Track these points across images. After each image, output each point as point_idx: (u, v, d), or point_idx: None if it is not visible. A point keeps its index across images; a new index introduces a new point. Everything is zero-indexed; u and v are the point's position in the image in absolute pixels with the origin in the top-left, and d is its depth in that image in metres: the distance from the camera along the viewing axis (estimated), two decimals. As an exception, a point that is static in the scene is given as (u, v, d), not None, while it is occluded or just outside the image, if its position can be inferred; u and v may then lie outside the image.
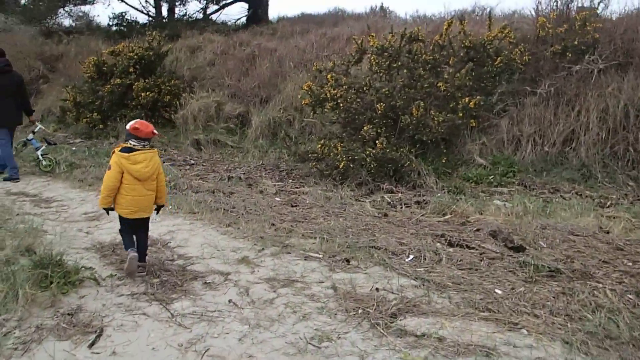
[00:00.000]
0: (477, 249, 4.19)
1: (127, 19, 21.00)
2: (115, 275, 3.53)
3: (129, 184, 3.55)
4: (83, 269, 3.41)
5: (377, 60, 7.18)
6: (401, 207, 5.56)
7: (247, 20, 19.09)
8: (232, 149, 9.30)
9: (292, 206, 5.64)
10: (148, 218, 3.79)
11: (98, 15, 30.97)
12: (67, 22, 22.06)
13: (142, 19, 19.63)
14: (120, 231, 3.76)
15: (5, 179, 6.94)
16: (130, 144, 3.59)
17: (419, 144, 6.79)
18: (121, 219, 3.67)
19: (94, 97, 10.55)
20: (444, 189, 6.23)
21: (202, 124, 9.82)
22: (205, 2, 18.39)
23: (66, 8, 23.28)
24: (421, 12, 11.70)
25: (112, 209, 3.66)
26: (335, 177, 6.60)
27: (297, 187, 6.59)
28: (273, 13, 22.74)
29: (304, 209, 5.48)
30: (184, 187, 6.38)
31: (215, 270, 3.70)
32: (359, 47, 7.59)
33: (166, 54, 11.11)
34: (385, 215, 5.24)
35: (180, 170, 7.54)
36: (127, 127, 3.65)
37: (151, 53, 10.71)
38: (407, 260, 3.95)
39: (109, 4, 23.90)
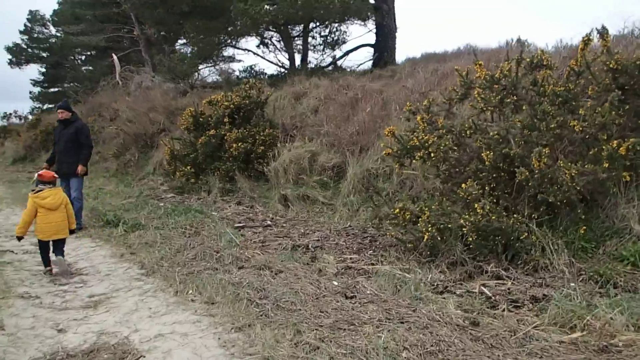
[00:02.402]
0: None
1: (255, 71, 21.30)
2: None
3: (44, 215, 4.93)
4: None
5: (482, 95, 5.44)
6: (504, 309, 3.69)
7: (372, 64, 18.16)
8: (323, 205, 7.99)
9: (347, 297, 4.06)
10: (64, 240, 5.14)
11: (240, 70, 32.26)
12: (210, 78, 23.17)
13: (272, 69, 19.90)
14: (40, 252, 5.09)
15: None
16: (39, 187, 5.09)
17: (544, 206, 4.83)
18: (40, 242, 5.04)
19: (189, 149, 10.05)
20: (581, 275, 4.22)
21: (292, 177, 8.69)
22: (322, 49, 17.78)
23: (216, 66, 24.72)
24: (566, 40, 9.46)
25: (22, 238, 5.08)
26: (422, 252, 4.92)
27: (371, 264, 5.00)
28: (401, 56, 21.57)
29: (359, 305, 3.87)
30: (228, 260, 5.14)
31: None
32: (463, 79, 5.91)
33: (265, 102, 10.31)
34: (475, 324, 3.43)
35: (247, 234, 6.37)
36: (36, 175, 5.30)
37: (247, 102, 9.97)
38: None
39: (233, 58, 24.44)
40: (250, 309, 3.81)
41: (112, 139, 16.52)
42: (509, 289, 4.07)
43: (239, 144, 9.36)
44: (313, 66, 18.98)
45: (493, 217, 4.48)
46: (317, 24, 17.18)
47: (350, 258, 5.27)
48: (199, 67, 24.62)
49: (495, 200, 4.92)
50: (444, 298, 3.89)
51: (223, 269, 4.89)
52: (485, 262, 4.54)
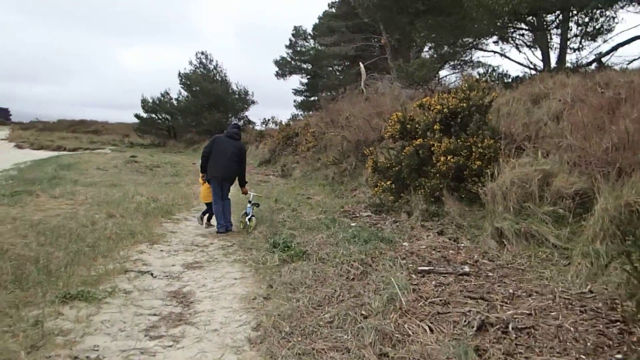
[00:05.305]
0: None
1: (499, 74, 18.98)
2: None
3: (206, 189, 8.12)
4: None
5: None
6: None
7: (651, 59, 14.15)
8: (554, 249, 5.64)
9: None
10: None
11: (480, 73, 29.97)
12: (455, 84, 21.78)
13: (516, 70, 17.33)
14: (206, 209, 8.35)
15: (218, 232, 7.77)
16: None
17: None
18: (206, 204, 8.28)
19: (393, 161, 8.55)
20: None
21: (514, 204, 6.45)
22: (579, 42, 14.38)
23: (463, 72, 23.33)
24: None
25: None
26: None
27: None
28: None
29: None
30: (371, 337, 3.42)
31: None
32: None
33: (489, 105, 8.18)
34: None
35: (425, 287, 4.54)
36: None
37: (465, 105, 8.00)
38: None
39: (479, 62, 22.23)
40: None
41: (336, 145, 16.07)
42: None
43: (449, 157, 7.48)
44: (569, 65, 15.72)
45: None
46: (574, 11, 13.96)
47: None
48: (441, 73, 23.25)
49: None
50: None
51: (356, 355, 3.21)
52: None
